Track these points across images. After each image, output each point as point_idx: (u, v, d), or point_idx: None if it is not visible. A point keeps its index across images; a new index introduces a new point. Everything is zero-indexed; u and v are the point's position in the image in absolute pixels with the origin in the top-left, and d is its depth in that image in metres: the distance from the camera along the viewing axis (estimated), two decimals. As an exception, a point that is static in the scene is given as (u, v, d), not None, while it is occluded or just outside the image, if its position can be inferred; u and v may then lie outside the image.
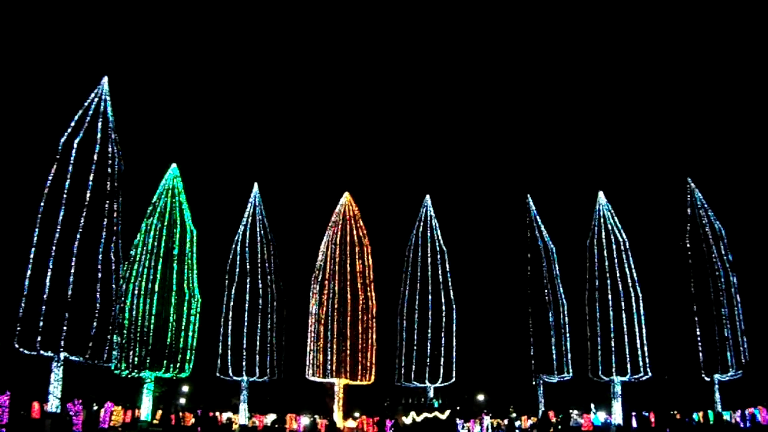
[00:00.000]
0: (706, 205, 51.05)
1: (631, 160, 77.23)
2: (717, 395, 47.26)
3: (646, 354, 48.39)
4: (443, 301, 52.01)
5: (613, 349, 48.15)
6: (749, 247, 52.39)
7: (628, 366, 47.67)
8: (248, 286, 49.40)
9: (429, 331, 51.02)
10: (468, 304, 53.82)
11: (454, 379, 51.05)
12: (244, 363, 47.95)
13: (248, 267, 49.87)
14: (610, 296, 49.32)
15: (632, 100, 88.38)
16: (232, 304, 48.99)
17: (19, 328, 35.11)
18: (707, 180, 52.81)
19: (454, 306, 52.25)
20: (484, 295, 55.47)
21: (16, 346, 34.98)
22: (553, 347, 50.06)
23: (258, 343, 48.34)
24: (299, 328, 51.44)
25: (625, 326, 48.51)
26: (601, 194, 52.93)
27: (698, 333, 48.12)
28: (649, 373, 48.25)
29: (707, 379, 47.75)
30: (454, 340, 51.60)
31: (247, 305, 48.88)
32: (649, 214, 56.47)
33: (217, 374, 48.08)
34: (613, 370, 47.76)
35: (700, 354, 47.73)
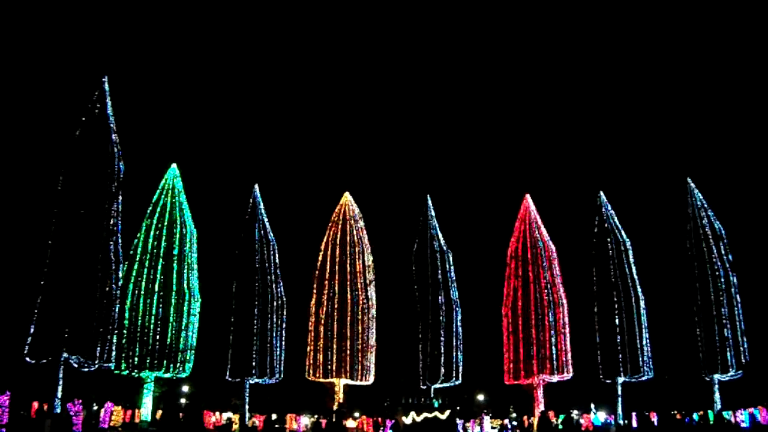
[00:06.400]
0: (705, 205, 50.85)
1: (631, 160, 77.23)
2: (717, 395, 47.13)
3: (648, 354, 48.37)
4: (445, 301, 52.00)
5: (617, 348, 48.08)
6: (749, 248, 52.29)
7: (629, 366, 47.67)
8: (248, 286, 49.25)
9: (431, 331, 51.01)
10: (468, 304, 53.87)
11: (460, 381, 51.02)
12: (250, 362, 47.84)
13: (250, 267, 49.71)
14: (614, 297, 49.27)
15: (632, 100, 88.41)
16: (236, 305, 48.82)
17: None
18: (707, 180, 52.80)
19: (458, 306, 52.19)
20: (484, 295, 55.45)
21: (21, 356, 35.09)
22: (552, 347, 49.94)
23: (258, 344, 48.26)
24: (299, 328, 51.46)
25: (626, 326, 48.47)
26: (601, 194, 52.94)
27: (698, 333, 47.95)
28: (651, 374, 48.19)
29: (707, 378, 47.63)
30: (459, 340, 51.61)
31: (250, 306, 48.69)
32: (649, 214, 56.46)
33: (228, 377, 47.73)
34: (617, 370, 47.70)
35: (700, 354, 47.58)
